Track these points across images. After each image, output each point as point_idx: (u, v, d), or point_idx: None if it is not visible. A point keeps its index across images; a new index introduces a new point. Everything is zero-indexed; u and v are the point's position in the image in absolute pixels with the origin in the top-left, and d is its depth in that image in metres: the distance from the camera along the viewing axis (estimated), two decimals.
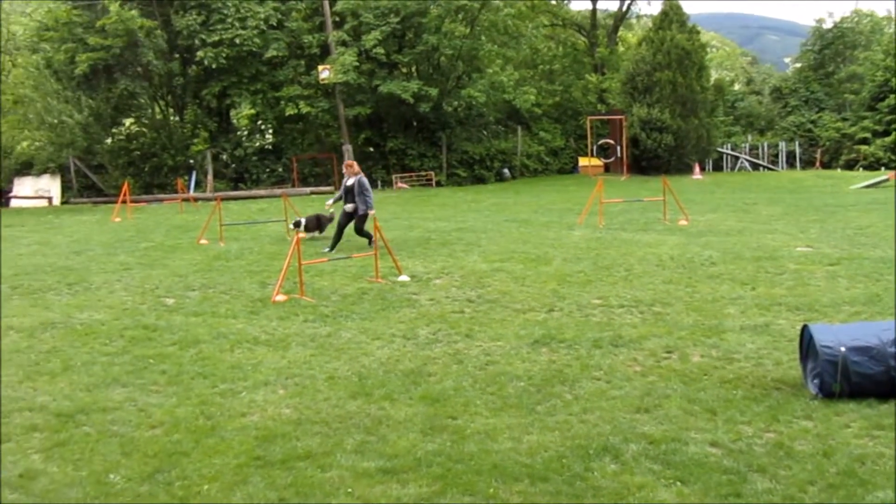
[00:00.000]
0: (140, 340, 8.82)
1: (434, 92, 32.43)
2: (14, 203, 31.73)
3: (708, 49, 42.97)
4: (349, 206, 14.18)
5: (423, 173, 33.86)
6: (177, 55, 32.98)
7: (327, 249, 14.07)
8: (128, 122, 34.88)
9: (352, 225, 14.37)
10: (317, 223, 15.72)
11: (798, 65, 51.51)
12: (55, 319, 9.88)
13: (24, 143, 33.28)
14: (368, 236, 14.23)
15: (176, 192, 30.22)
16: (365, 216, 14.10)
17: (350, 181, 14.16)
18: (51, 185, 32.30)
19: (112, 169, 33.06)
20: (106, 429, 6.37)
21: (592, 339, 8.42)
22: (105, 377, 7.61)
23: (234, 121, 37.41)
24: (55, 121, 32.05)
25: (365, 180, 14.24)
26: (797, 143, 44.39)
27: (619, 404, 6.58)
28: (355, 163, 14.54)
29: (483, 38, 34.81)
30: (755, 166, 42.74)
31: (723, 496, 5.03)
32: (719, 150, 42.29)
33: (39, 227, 21.30)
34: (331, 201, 14.88)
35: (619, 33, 47.78)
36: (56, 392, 7.26)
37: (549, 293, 10.21)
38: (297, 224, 15.32)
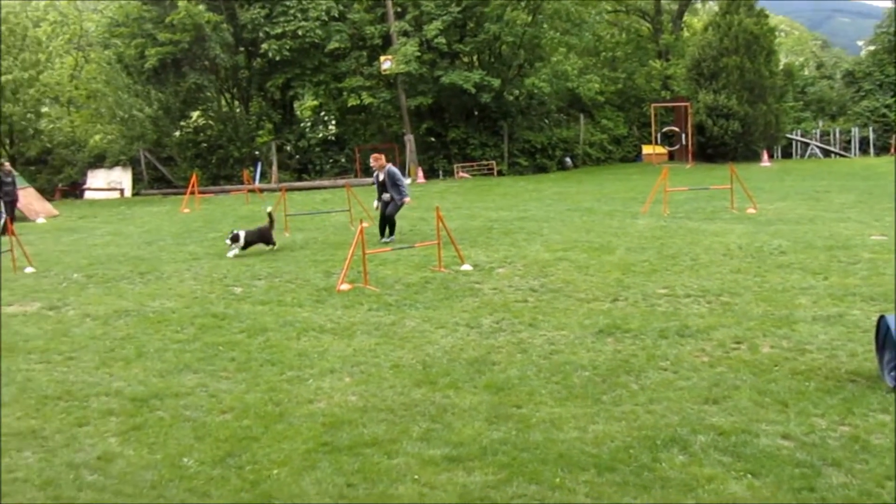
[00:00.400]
0: (210, 328, 9.02)
1: (495, 81, 32.33)
2: (88, 195, 32.72)
3: (777, 34, 41.93)
4: (386, 196, 14.20)
5: (485, 163, 33.63)
6: (242, 48, 33.53)
7: (384, 240, 14.07)
8: (195, 114, 35.63)
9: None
10: (259, 236, 13.50)
11: (872, 47, 49.72)
12: (128, 307, 10.17)
13: (97, 137, 34.26)
14: (392, 228, 14.21)
15: (242, 183, 30.77)
16: (401, 205, 14.15)
17: (381, 175, 14.13)
18: (122, 178, 33.21)
19: (180, 161, 33.83)
20: (179, 413, 6.54)
21: (658, 329, 8.30)
22: (177, 363, 7.81)
23: (298, 112, 37.89)
24: (126, 114, 32.91)
25: (395, 170, 14.21)
26: (871, 128, 42.02)
27: (687, 395, 6.49)
28: (381, 155, 14.47)
29: (545, 25, 34.52)
30: (826, 153, 41.11)
31: (796, 490, 4.92)
32: (788, 136, 40.48)
33: (112, 218, 21.93)
34: (376, 203, 14.63)
35: (685, 18, 46.87)
36: (131, 377, 7.48)
37: (614, 282, 10.12)
38: (234, 238, 13.04)
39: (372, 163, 14.39)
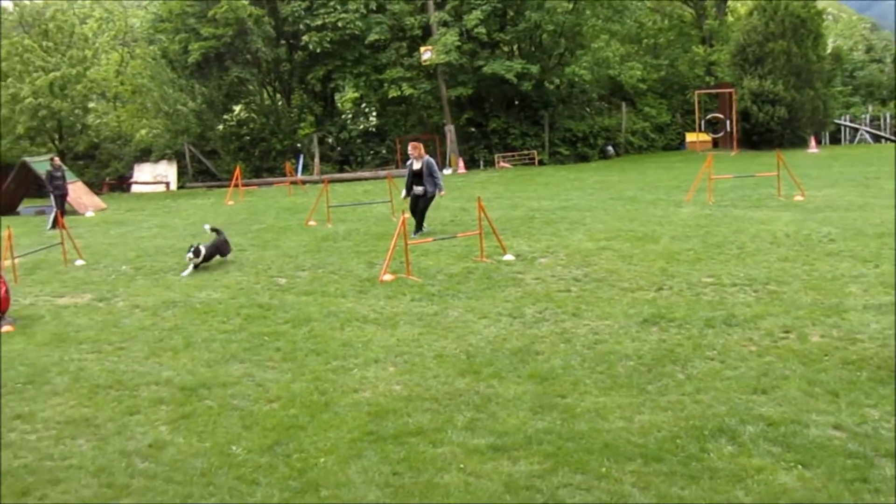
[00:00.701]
0: (255, 318, 9.13)
1: (536, 70, 32.15)
2: (134, 188, 33.30)
3: (824, 17, 40.92)
4: (419, 189, 13.88)
5: (526, 152, 33.27)
6: (283, 41, 33.79)
7: (414, 235, 13.71)
8: (238, 108, 36.03)
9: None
10: (216, 249, 12.74)
11: None
12: (176, 298, 10.33)
13: (143, 131, 34.83)
14: (422, 221, 14.04)
15: (284, 175, 31.07)
16: (433, 197, 13.96)
17: (417, 164, 13.89)
18: (168, 171, 33.73)
19: (224, 154, 34.25)
20: (227, 402, 6.64)
21: (704, 319, 8.20)
22: (224, 353, 7.92)
23: (339, 104, 38.10)
24: (171, 109, 33.39)
25: (433, 161, 14.04)
26: None
27: (735, 385, 6.41)
28: (420, 145, 14.28)
29: (587, 13, 34.22)
30: (877, 138, 40.04)
31: (848, 481, 4.84)
32: (837, 122, 39.65)
33: (158, 210, 22.29)
34: (404, 193, 14.27)
35: (729, 3, 46.08)
36: (179, 367, 7.60)
37: (658, 272, 10.02)
38: (195, 252, 12.27)
39: (410, 150, 14.19)
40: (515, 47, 35.42)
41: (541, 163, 33.02)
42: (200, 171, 34.26)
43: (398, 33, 33.80)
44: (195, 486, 5.23)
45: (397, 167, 32.76)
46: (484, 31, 32.26)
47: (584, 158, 34.07)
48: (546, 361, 7.19)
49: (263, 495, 5.08)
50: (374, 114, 37.07)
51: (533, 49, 34.80)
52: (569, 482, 4.99)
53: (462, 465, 5.28)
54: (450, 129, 32.39)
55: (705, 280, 9.57)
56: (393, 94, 32.73)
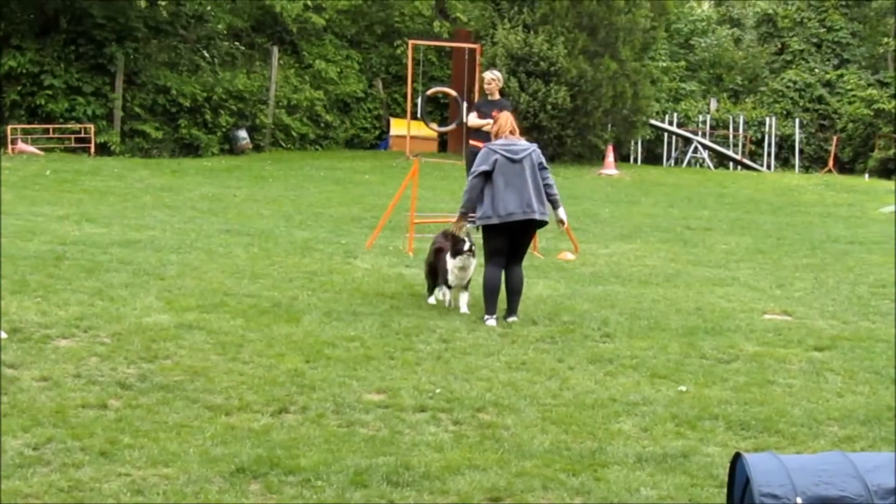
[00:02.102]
0: None
1: None
2: None
3: None
4: None
5: (75, 127, 18.94)
6: None
7: None
8: None
9: None
10: None
11: None
12: None
13: None
14: None
15: None
16: None
17: None
18: None
19: None
20: None
21: (353, 471, 4.37)
22: None
23: None
24: None
25: None
26: (797, 121, 26.29)
27: None
28: None
29: None
30: (721, 159, 25.49)
31: None
32: (655, 123, 24.75)
33: None
34: None
35: None
36: None
37: (287, 377, 5.62)
38: None
39: None
40: None
41: (103, 149, 18.96)
42: None
43: None
44: None
45: None
46: None
47: (191, 148, 20.05)
48: None
49: None
50: None
51: None
52: None
53: None
54: None
55: (370, 397, 5.40)
56: None
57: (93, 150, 18.72)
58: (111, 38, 19.23)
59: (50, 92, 18.93)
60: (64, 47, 19.21)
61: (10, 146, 17.81)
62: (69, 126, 18.98)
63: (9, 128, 18.17)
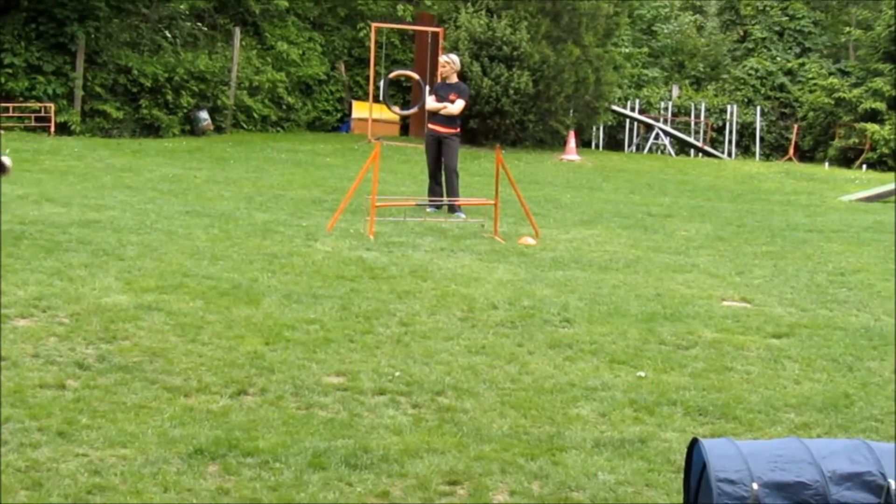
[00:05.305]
0: None
1: None
2: None
3: None
4: None
5: (35, 106, 18.60)
6: None
7: None
8: None
9: None
10: None
11: None
12: None
13: None
14: None
15: None
16: None
17: None
18: None
19: None
20: None
21: (311, 453, 4.36)
22: None
23: None
24: None
25: None
26: (758, 109, 26.41)
27: None
28: None
29: None
30: (682, 146, 25.76)
31: None
32: (617, 109, 25.11)
33: None
34: None
35: None
36: None
37: (245, 358, 5.58)
38: None
39: None
40: None
41: (63, 129, 18.69)
42: None
43: None
44: None
45: None
46: None
47: (151, 129, 19.69)
48: None
49: None
50: None
51: None
52: None
53: None
54: None
55: (329, 380, 5.38)
56: None
57: (53, 129, 18.26)
58: (72, 17, 18.64)
59: (10, 70, 18.35)
60: (24, 26, 18.61)
61: None
62: (29, 105, 18.41)
63: None
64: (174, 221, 9.91)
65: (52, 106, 18.39)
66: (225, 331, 6.14)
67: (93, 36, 18.94)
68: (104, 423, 4.48)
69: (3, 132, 17.25)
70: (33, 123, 18.40)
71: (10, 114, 18.28)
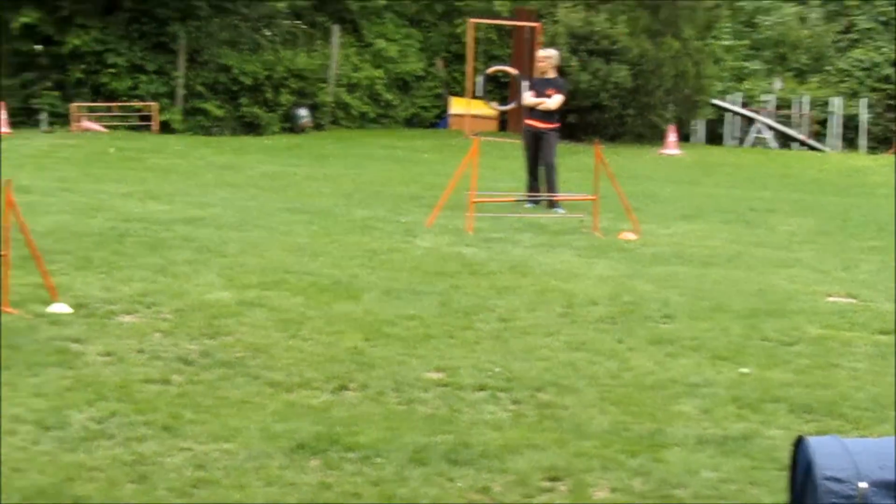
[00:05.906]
0: None
1: None
2: None
3: None
4: None
5: (137, 105, 19.04)
6: None
7: None
8: None
9: None
10: None
11: None
12: None
13: None
14: None
15: None
16: None
17: None
18: None
19: None
20: None
21: (412, 448, 4.35)
22: None
23: None
24: None
25: None
26: (864, 101, 24.61)
27: None
28: None
29: None
30: (785, 139, 24.54)
31: None
32: (718, 103, 24.00)
33: None
34: None
35: None
36: None
37: (346, 355, 5.65)
38: None
39: None
40: None
41: (166, 127, 19.04)
42: None
43: None
44: None
45: None
46: None
47: (251, 126, 19.76)
48: None
49: None
50: None
51: None
52: None
53: None
54: None
55: (430, 376, 5.41)
56: None
57: (155, 127, 18.91)
58: (174, 17, 19.26)
59: (114, 70, 19.06)
60: (127, 26, 19.28)
61: (76, 122, 18.15)
62: (132, 104, 19.12)
63: (73, 106, 18.37)
64: (274, 218, 10.12)
65: (154, 105, 19.07)
66: (325, 326, 6.24)
67: (194, 35, 19.56)
68: (208, 418, 4.61)
69: (107, 131, 18.10)
70: (136, 122, 19.10)
71: (115, 113, 19.06)
